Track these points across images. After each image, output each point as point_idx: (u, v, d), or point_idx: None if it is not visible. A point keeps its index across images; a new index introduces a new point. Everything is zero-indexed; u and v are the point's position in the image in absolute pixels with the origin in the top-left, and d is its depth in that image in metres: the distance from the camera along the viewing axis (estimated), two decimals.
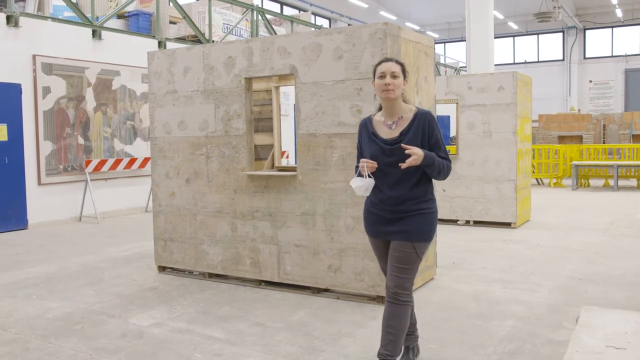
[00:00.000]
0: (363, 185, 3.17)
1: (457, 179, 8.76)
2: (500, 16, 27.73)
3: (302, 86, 5.02)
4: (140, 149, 10.97)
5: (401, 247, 3.20)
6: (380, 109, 3.38)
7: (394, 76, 3.18)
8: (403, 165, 3.06)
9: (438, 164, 3.17)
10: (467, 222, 8.81)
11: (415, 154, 3.08)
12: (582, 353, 2.09)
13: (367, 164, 3.16)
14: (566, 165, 14.79)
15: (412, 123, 3.21)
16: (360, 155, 3.41)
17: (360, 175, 3.19)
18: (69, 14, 10.57)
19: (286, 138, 11.53)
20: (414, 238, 3.19)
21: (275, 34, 14.10)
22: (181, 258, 5.85)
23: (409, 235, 3.19)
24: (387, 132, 3.26)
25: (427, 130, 3.21)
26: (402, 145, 3.11)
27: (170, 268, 6.03)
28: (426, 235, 3.23)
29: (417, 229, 3.19)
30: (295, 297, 5.04)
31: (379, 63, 3.28)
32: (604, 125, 18.20)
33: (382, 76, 3.20)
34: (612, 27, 30.44)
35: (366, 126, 3.35)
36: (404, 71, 3.25)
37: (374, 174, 3.21)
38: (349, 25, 26.29)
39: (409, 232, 3.19)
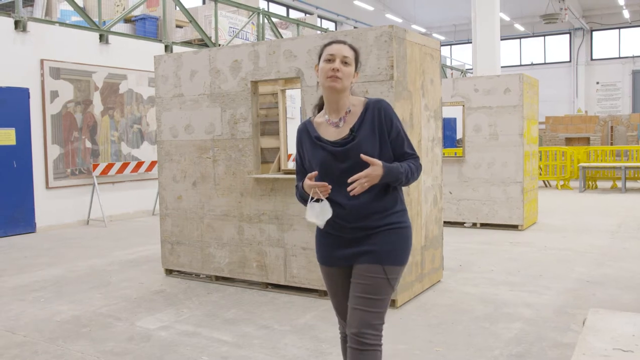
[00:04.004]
0: (322, 214, 2.47)
1: (464, 181, 8.75)
2: (507, 18, 27.68)
3: (308, 89, 5.03)
4: (147, 152, 11.02)
5: (368, 272, 2.48)
6: (320, 108, 2.69)
7: (344, 62, 2.51)
8: (353, 192, 2.40)
9: (405, 174, 2.50)
10: (474, 224, 8.79)
11: (367, 176, 2.39)
12: (589, 356, 2.09)
13: (319, 189, 2.44)
14: (573, 167, 14.73)
15: (363, 115, 2.53)
16: (303, 169, 2.67)
17: (314, 200, 2.49)
18: (76, 18, 10.65)
19: (292, 141, 11.55)
20: (384, 260, 2.49)
21: (281, 37, 14.13)
22: (188, 261, 5.87)
23: (378, 256, 2.49)
24: (334, 132, 2.56)
25: (385, 122, 2.53)
26: (362, 156, 2.41)
27: (177, 271, 6.05)
28: (400, 256, 2.54)
29: (388, 249, 2.51)
30: (301, 300, 5.04)
31: (329, 43, 2.58)
32: (612, 127, 18.13)
33: (330, 59, 2.51)
34: (619, 28, 30.31)
35: (306, 130, 2.63)
36: (357, 60, 2.59)
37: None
38: (354, 28, 26.31)
39: (378, 252, 2.49)
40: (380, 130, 2.52)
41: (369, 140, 2.50)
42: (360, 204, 2.49)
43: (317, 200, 2.48)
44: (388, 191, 2.54)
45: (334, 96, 2.54)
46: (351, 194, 2.40)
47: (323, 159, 2.54)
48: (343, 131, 2.54)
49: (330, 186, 2.45)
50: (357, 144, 2.48)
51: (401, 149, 2.58)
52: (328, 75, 2.49)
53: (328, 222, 2.52)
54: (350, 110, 2.56)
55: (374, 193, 2.50)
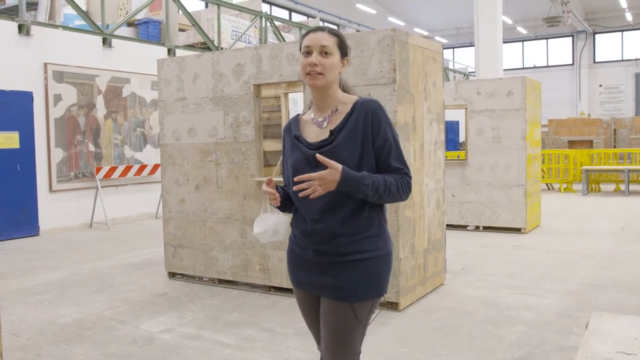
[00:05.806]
0: (268, 229, 2.19)
1: (467, 185, 8.75)
2: (509, 21, 27.68)
3: None
4: (150, 155, 11.04)
5: (336, 311, 2.17)
6: (312, 103, 2.36)
7: (324, 52, 2.16)
8: (302, 193, 2.06)
9: (374, 187, 2.08)
10: (477, 227, 8.78)
11: (320, 178, 2.02)
12: (591, 359, 2.09)
13: (268, 194, 2.17)
14: (576, 170, 14.71)
15: (348, 117, 2.17)
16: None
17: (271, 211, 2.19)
18: (79, 22, 10.69)
19: None
20: (352, 297, 2.15)
21: (284, 40, 14.16)
22: (191, 264, 5.88)
23: (345, 293, 2.15)
24: (315, 133, 2.24)
25: (372, 126, 2.14)
26: (318, 156, 2.05)
27: (180, 274, 6.06)
28: (372, 290, 2.19)
29: (357, 282, 2.15)
30: None
31: (306, 33, 2.24)
32: (615, 130, 18.09)
33: (307, 52, 2.18)
34: (621, 30, 30.29)
35: (289, 129, 2.33)
36: (342, 46, 2.22)
37: (296, 197, 2.20)
38: (357, 31, 26.33)
39: (344, 288, 2.15)
40: (364, 135, 2.14)
41: (347, 146, 2.13)
42: (325, 226, 2.15)
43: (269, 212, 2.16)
44: (364, 210, 2.16)
45: (318, 93, 2.23)
46: (300, 195, 2.07)
47: (296, 161, 2.20)
48: (325, 132, 2.20)
49: (278, 196, 2.18)
50: (332, 149, 2.13)
51: (386, 160, 2.16)
52: (306, 72, 2.18)
53: (296, 239, 2.27)
54: (337, 109, 2.22)
55: (345, 214, 2.14)
